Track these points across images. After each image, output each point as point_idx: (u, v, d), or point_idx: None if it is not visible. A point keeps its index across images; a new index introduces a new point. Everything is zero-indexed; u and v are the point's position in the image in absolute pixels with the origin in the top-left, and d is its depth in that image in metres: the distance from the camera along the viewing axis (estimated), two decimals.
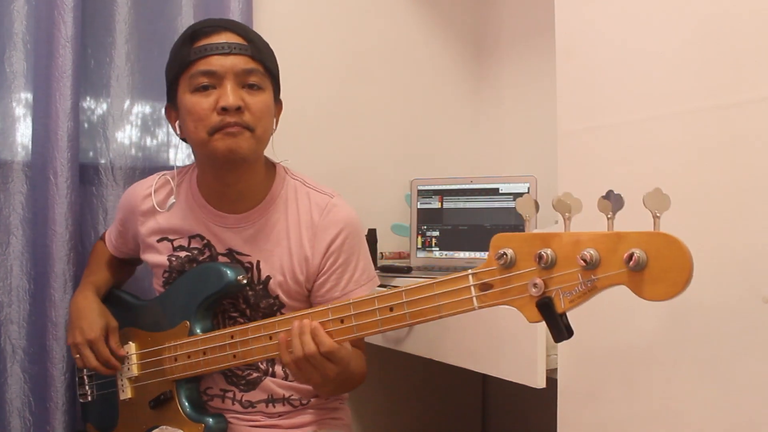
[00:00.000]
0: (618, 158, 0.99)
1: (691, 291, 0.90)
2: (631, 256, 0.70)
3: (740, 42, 0.85)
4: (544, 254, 0.77)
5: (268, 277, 1.21)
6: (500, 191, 1.63)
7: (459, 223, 1.67)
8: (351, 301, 0.99)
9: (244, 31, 1.17)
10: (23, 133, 1.49)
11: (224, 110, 1.09)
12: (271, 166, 1.26)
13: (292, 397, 1.25)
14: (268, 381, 1.24)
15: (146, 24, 1.60)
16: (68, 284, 1.44)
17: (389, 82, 1.95)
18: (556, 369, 1.09)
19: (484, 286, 0.85)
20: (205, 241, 1.23)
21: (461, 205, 1.67)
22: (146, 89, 1.61)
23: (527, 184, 1.59)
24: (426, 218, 1.71)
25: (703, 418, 0.89)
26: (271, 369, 1.24)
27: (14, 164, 1.48)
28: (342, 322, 0.99)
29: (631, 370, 0.98)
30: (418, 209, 1.71)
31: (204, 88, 1.11)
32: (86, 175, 1.56)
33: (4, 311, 1.47)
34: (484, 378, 2.06)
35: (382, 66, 1.94)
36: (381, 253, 1.79)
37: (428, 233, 1.70)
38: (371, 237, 1.68)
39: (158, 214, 1.26)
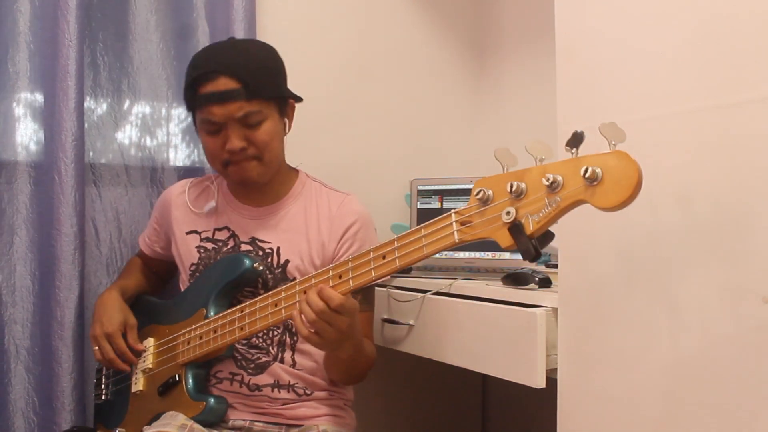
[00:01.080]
0: None
1: (693, 291, 0.90)
2: (587, 170, 0.78)
3: (740, 42, 0.86)
4: (515, 184, 0.85)
5: (287, 261, 1.30)
6: None
7: None
8: (350, 257, 1.08)
9: (237, 71, 1.21)
10: (25, 133, 1.50)
11: (230, 152, 1.23)
12: (293, 170, 1.40)
13: (297, 386, 1.30)
14: (276, 366, 1.29)
15: (153, 24, 1.61)
16: (73, 284, 1.44)
17: (389, 81, 1.95)
18: (556, 369, 1.10)
19: (465, 223, 0.94)
20: (231, 232, 1.35)
21: (461, 205, 1.66)
22: (148, 89, 1.61)
23: None
24: (426, 218, 1.69)
25: (706, 426, 0.90)
26: (280, 355, 1.30)
27: (17, 164, 1.49)
28: (340, 277, 1.08)
29: (631, 370, 0.98)
30: (418, 209, 1.71)
31: (212, 132, 1.25)
32: (88, 175, 1.55)
33: (8, 311, 1.47)
34: (484, 378, 2.05)
35: (383, 66, 1.94)
36: None
37: None
38: None
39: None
